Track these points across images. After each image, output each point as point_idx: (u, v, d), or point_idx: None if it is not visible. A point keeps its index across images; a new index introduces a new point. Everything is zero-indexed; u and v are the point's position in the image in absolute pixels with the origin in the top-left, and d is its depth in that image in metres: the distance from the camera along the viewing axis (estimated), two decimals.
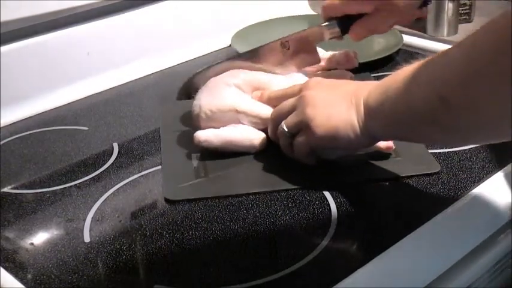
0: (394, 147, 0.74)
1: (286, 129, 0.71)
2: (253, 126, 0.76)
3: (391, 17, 0.81)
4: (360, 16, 0.81)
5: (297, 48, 0.82)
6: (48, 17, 0.95)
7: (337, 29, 0.82)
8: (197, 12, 1.10)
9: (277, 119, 0.73)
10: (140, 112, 0.92)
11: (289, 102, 0.72)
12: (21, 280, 0.59)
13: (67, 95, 0.95)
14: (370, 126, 0.65)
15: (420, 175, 0.72)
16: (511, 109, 0.51)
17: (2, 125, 0.88)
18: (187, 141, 0.78)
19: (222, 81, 0.78)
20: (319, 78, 0.74)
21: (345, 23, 0.82)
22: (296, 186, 0.70)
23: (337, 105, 0.67)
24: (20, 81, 0.93)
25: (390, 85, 0.63)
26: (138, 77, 1.01)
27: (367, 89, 0.66)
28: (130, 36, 1.04)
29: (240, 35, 1.09)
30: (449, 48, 0.57)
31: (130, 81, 1.01)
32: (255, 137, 0.76)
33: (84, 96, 0.96)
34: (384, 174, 0.72)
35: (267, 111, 0.76)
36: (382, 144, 0.73)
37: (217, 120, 0.75)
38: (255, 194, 0.70)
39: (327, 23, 0.82)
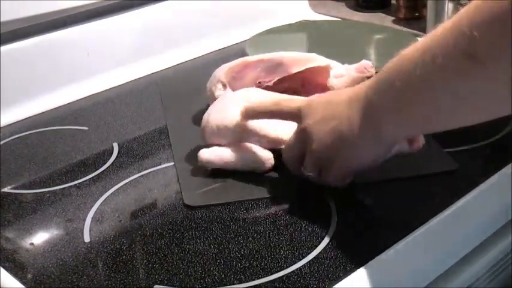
0: (423, 144, 0.68)
1: (310, 174, 0.68)
2: (261, 146, 0.73)
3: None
4: None
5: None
6: (48, 17, 0.95)
7: None
8: (197, 12, 1.10)
9: (293, 164, 0.70)
10: (140, 112, 0.92)
11: (293, 142, 0.68)
12: (21, 280, 0.59)
13: (67, 95, 0.95)
14: (377, 123, 0.60)
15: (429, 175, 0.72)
16: None
17: (2, 125, 0.88)
18: (198, 141, 0.77)
19: (235, 97, 0.75)
20: (312, 100, 0.68)
21: None
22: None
23: (339, 123, 0.63)
24: (20, 81, 0.93)
25: (390, 71, 0.58)
26: (138, 77, 1.01)
27: (363, 87, 0.62)
28: (130, 36, 1.04)
29: (254, 41, 1.05)
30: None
31: (131, 81, 1.01)
32: (261, 158, 0.72)
33: (84, 96, 0.96)
34: (401, 172, 0.71)
35: (275, 131, 0.72)
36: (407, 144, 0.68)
37: (224, 136, 0.73)
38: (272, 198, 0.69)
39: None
